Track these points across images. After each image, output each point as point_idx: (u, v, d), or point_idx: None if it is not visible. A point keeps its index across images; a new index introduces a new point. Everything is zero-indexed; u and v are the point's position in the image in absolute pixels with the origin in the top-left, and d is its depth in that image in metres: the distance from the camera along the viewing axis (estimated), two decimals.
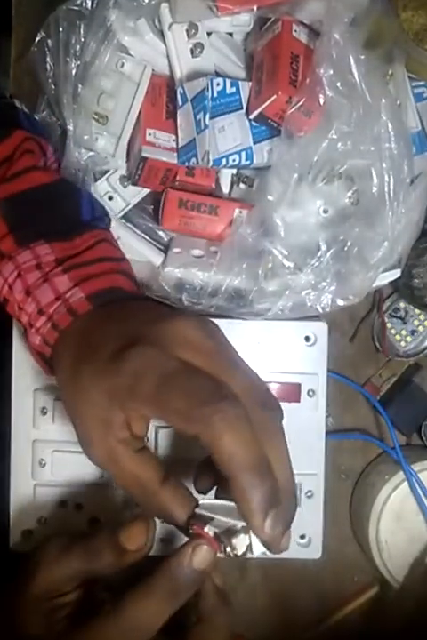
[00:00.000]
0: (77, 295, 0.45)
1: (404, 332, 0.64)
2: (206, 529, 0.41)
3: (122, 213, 0.59)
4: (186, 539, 0.42)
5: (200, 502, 0.42)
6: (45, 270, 0.46)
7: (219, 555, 0.41)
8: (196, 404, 0.37)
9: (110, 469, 0.42)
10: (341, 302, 0.54)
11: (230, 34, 0.58)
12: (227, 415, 0.37)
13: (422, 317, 0.64)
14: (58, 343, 0.45)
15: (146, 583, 0.42)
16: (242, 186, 0.59)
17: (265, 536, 0.38)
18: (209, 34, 0.56)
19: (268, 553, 0.40)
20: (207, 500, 0.42)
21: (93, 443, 0.41)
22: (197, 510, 0.41)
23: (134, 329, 0.42)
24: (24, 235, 0.47)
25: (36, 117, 0.56)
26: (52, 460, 0.56)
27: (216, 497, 0.44)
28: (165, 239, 0.60)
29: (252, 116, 0.54)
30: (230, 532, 0.40)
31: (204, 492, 0.45)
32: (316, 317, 0.57)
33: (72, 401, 0.42)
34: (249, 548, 0.40)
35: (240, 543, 0.40)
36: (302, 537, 0.58)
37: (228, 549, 0.40)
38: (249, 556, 0.40)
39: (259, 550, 0.40)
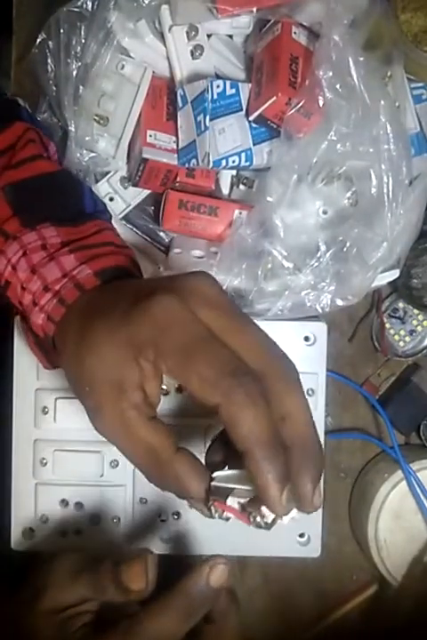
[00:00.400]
0: (85, 271, 0.45)
1: (403, 332, 0.64)
2: (229, 502, 0.38)
3: (122, 214, 0.59)
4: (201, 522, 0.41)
5: (214, 475, 0.39)
6: (51, 251, 0.46)
7: (250, 525, 0.39)
8: (221, 374, 0.37)
9: (121, 438, 0.40)
10: (340, 302, 0.55)
11: (230, 36, 0.58)
12: (250, 390, 0.37)
13: (420, 317, 0.64)
14: (64, 318, 0.44)
15: (163, 600, 0.42)
16: (242, 187, 0.59)
17: (281, 509, 0.37)
18: (209, 36, 0.57)
19: (297, 517, 0.38)
20: (221, 472, 0.40)
21: (104, 409, 0.39)
22: (214, 483, 0.39)
23: (155, 282, 0.41)
24: (30, 217, 0.47)
25: (39, 116, 0.57)
26: (53, 459, 0.56)
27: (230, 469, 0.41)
28: (166, 240, 0.60)
29: (251, 118, 0.54)
30: (257, 500, 0.38)
31: (215, 468, 0.42)
32: (315, 317, 0.57)
33: (81, 368, 0.40)
34: None
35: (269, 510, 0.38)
36: (302, 536, 0.58)
37: (258, 519, 0.38)
38: (279, 522, 0.38)
39: (289, 516, 0.38)
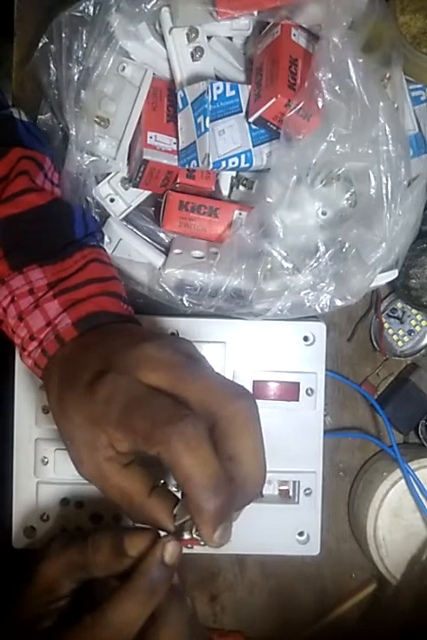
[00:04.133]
0: (65, 322, 0.47)
1: (401, 332, 0.64)
2: (187, 537, 0.42)
3: (123, 215, 0.60)
4: None
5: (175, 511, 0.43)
6: (37, 295, 0.48)
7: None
8: (157, 425, 0.39)
9: (100, 485, 0.44)
10: (339, 302, 0.55)
11: (230, 38, 0.58)
12: (185, 436, 0.39)
13: (419, 317, 0.64)
14: (47, 368, 0.47)
15: (124, 586, 0.43)
16: (241, 188, 0.59)
17: (213, 545, 0.40)
18: (209, 38, 0.57)
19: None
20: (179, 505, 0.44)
21: (83, 461, 0.43)
22: (176, 511, 0.43)
23: (106, 358, 0.43)
24: (17, 259, 0.49)
25: (40, 117, 0.57)
26: (54, 458, 0.57)
27: None
28: (166, 241, 0.61)
29: (251, 119, 0.54)
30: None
31: None
32: (314, 317, 0.58)
33: (60, 424, 0.45)
34: None
35: None
36: (301, 534, 0.59)
37: (202, 543, 0.42)
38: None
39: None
